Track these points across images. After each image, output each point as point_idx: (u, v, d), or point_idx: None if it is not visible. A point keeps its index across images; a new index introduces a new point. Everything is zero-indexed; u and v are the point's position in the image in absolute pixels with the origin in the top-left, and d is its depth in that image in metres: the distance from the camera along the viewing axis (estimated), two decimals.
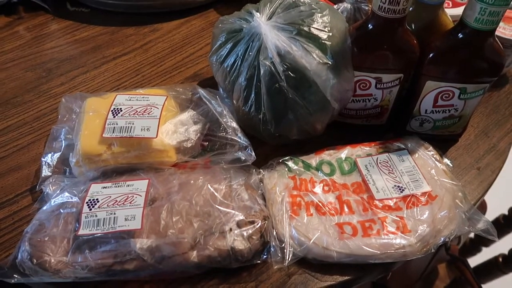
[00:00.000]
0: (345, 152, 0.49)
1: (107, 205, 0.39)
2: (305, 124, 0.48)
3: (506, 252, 0.69)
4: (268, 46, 0.45)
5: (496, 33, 0.58)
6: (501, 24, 0.60)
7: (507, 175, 1.59)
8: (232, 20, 0.50)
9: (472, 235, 0.77)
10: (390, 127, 0.54)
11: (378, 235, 0.40)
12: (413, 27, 0.48)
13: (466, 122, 0.52)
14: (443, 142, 0.54)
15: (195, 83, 0.61)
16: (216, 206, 0.41)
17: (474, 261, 0.78)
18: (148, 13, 0.75)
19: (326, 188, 0.45)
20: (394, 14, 0.43)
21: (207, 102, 0.49)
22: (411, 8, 0.48)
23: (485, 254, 0.78)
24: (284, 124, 0.47)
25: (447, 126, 0.52)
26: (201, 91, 0.50)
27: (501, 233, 0.72)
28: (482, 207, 0.73)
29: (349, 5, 0.62)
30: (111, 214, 0.38)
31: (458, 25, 0.44)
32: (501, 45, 0.45)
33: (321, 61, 0.44)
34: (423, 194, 0.44)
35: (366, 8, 0.65)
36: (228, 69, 0.48)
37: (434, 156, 0.48)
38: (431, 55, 0.46)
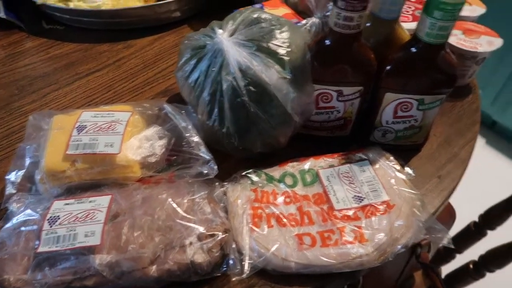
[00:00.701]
0: (308, 164, 0.50)
1: (68, 222, 0.39)
2: (268, 138, 0.49)
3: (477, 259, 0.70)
4: (230, 62, 0.46)
5: (457, 45, 0.61)
6: (461, 36, 0.62)
7: (477, 183, 1.61)
8: (197, 37, 0.51)
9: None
10: (354, 138, 0.56)
11: (336, 245, 0.41)
12: (371, 42, 0.50)
13: (427, 132, 0.54)
14: (406, 152, 0.55)
15: (165, 98, 0.62)
16: (178, 220, 0.41)
17: (449, 268, 0.79)
18: (122, 30, 0.76)
19: (287, 199, 0.46)
20: (349, 30, 0.44)
21: (172, 117, 0.49)
22: (368, 24, 0.49)
23: (460, 261, 0.79)
24: (247, 137, 0.48)
25: (408, 136, 0.53)
26: (167, 107, 0.51)
27: (472, 240, 0.74)
28: (451, 215, 0.74)
29: (317, 20, 0.63)
30: (71, 230, 0.38)
31: (412, 39, 0.46)
32: (454, 57, 0.47)
33: (280, 75, 0.45)
34: (382, 203, 0.45)
35: None
36: (192, 85, 0.49)
37: (395, 166, 0.50)
38: (388, 68, 0.47)
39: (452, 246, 0.42)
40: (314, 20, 0.63)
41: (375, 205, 0.45)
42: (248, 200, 0.45)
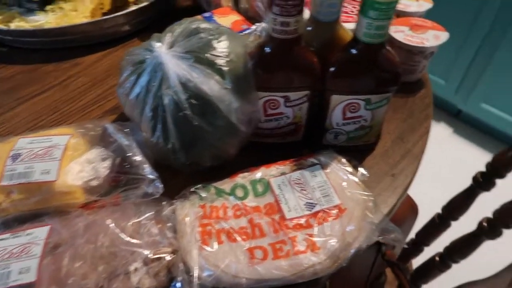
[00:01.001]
0: (259, 173, 0.49)
1: (1, 259, 0.37)
2: (216, 150, 0.48)
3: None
4: (170, 76, 0.45)
5: (404, 41, 0.61)
6: (409, 32, 0.62)
7: (445, 172, 1.64)
8: (137, 52, 0.49)
9: (413, 235, 0.79)
10: (307, 143, 0.55)
11: (288, 256, 0.40)
12: (314, 45, 0.49)
13: (378, 130, 0.54)
14: (360, 152, 0.55)
15: (113, 117, 0.60)
16: (122, 246, 0.40)
17: (419, 260, 0.79)
18: (68, 48, 0.74)
19: (238, 212, 0.44)
20: (287, 35, 0.43)
21: (115, 137, 0.48)
22: (309, 28, 0.49)
23: (430, 253, 0.79)
24: (194, 152, 0.47)
25: (360, 136, 0.53)
26: (110, 126, 0.49)
27: (438, 232, 0.74)
28: (413, 210, 0.74)
29: (267, 25, 0.63)
30: (4, 269, 0.36)
31: (352, 40, 0.45)
32: (395, 55, 0.47)
33: (221, 86, 0.44)
34: (334, 207, 0.44)
35: None
36: (134, 101, 0.47)
37: (347, 168, 0.49)
38: (331, 70, 0.47)
39: (405, 246, 0.41)
40: (264, 25, 0.63)
41: (327, 210, 0.44)
42: (196, 217, 0.43)
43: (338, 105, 0.49)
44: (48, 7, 0.75)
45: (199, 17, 0.59)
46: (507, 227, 0.61)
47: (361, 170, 0.52)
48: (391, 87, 0.48)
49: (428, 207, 0.83)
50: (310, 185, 0.47)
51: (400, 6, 0.67)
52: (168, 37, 0.47)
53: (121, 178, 0.47)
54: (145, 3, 0.73)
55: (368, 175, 0.52)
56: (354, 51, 0.45)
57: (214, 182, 0.48)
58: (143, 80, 0.46)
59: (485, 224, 0.62)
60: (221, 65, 0.44)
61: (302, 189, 0.47)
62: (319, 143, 0.54)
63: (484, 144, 1.71)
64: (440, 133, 1.77)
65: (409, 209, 0.73)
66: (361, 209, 0.44)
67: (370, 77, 0.47)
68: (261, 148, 0.54)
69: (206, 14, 0.71)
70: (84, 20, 0.73)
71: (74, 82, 0.68)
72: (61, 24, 0.72)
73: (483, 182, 0.65)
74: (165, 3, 0.80)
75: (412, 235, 0.79)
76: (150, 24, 0.80)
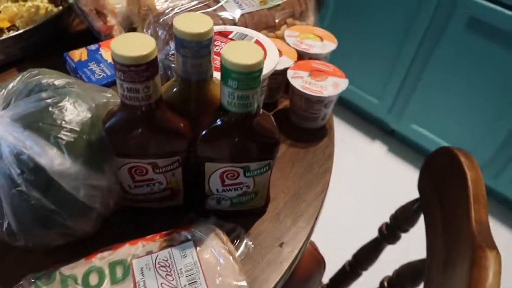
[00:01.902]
0: (121, 253, 0.42)
1: None
2: (65, 230, 0.40)
3: None
4: (0, 145, 0.37)
5: (301, 89, 0.57)
6: (308, 79, 0.58)
7: (383, 190, 1.65)
8: None
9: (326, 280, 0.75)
10: (191, 207, 0.49)
11: None
12: (185, 106, 0.43)
13: (265, 195, 0.49)
14: (250, 216, 0.50)
15: None
16: None
17: None
18: None
19: None
20: (140, 102, 0.37)
21: None
22: (175, 89, 0.43)
23: None
24: (35, 234, 0.39)
25: (245, 202, 0.48)
26: None
27: (350, 280, 0.71)
28: (319, 263, 0.71)
29: (159, 63, 0.56)
30: None
31: (220, 107, 0.40)
32: (272, 122, 0.42)
33: (60, 160, 0.37)
34: None
35: (174, 66, 0.60)
36: None
37: (223, 245, 0.43)
38: (200, 136, 0.41)
39: None
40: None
41: None
42: None
43: (214, 173, 0.44)
44: None
45: (44, 70, 0.48)
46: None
47: (246, 240, 0.47)
48: (270, 155, 0.43)
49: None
50: (177, 269, 0.41)
51: (303, 47, 0.63)
52: (1, 94, 0.39)
53: None
54: (20, 31, 0.64)
55: (253, 246, 0.47)
56: (222, 119, 0.40)
57: (67, 263, 0.41)
58: None
59: (386, 284, 0.59)
60: (58, 137, 0.37)
61: (167, 274, 0.40)
62: (202, 207, 0.48)
63: (417, 163, 1.75)
64: (375, 151, 1.79)
65: (314, 263, 0.69)
66: None
67: (243, 146, 0.41)
68: (141, 213, 0.48)
69: (92, 47, 0.63)
70: None
71: None
72: None
73: (387, 234, 0.62)
74: (52, 29, 0.70)
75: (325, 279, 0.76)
76: (36, 51, 0.70)
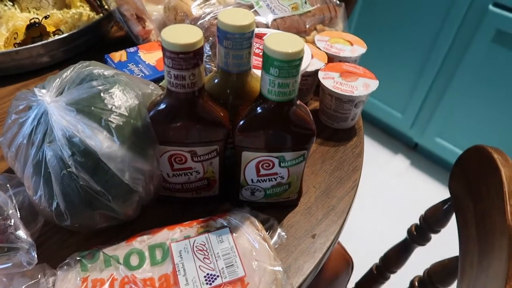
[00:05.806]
0: (160, 237, 0.43)
1: None
2: (109, 212, 0.42)
3: None
4: (54, 128, 0.39)
5: (333, 88, 0.58)
6: (339, 79, 0.59)
7: (403, 202, 1.63)
8: (24, 95, 0.44)
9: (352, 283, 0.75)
10: (226, 197, 0.50)
11: None
12: (223, 97, 0.45)
13: (298, 187, 0.50)
14: (282, 208, 0.51)
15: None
16: None
17: None
18: None
19: (126, 287, 0.39)
20: (185, 89, 0.39)
21: None
22: (216, 80, 0.45)
23: None
24: (82, 215, 0.41)
25: (279, 193, 0.49)
26: None
27: (378, 284, 0.70)
28: (347, 263, 0.71)
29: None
30: None
31: (259, 96, 0.42)
32: (308, 113, 0.44)
33: (110, 142, 0.39)
34: (236, 281, 0.39)
35: (208, 66, 0.62)
36: (15, 154, 0.42)
37: (259, 232, 0.44)
38: (238, 126, 0.43)
39: None
40: None
41: (229, 284, 0.39)
42: None
43: (250, 162, 0.45)
44: None
45: (94, 62, 0.52)
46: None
47: (279, 231, 0.48)
48: (305, 145, 0.44)
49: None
50: (214, 253, 0.42)
51: (333, 50, 0.65)
52: (55, 83, 0.42)
53: None
54: (65, 34, 0.68)
55: (286, 236, 0.48)
56: (260, 108, 0.41)
57: (109, 245, 0.43)
58: (26, 130, 0.41)
59: (416, 283, 0.59)
60: (108, 120, 0.39)
61: (205, 257, 0.42)
62: (236, 198, 0.50)
63: (440, 177, 1.72)
64: (397, 166, 1.77)
65: (342, 263, 0.69)
66: (267, 283, 0.40)
67: (280, 135, 0.43)
68: (176, 203, 0.50)
69: (131, 50, 0.66)
70: None
71: None
72: None
73: (417, 235, 0.62)
74: (93, 34, 0.75)
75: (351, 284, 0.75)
76: (78, 54, 0.74)
